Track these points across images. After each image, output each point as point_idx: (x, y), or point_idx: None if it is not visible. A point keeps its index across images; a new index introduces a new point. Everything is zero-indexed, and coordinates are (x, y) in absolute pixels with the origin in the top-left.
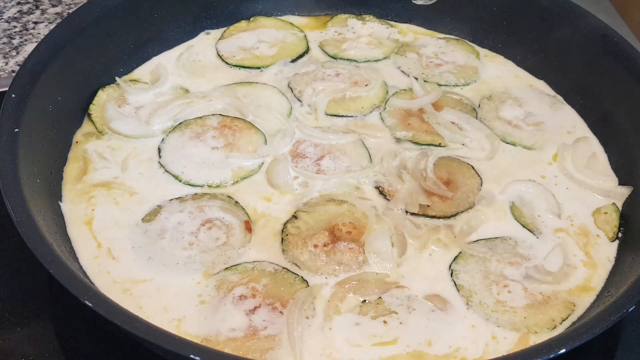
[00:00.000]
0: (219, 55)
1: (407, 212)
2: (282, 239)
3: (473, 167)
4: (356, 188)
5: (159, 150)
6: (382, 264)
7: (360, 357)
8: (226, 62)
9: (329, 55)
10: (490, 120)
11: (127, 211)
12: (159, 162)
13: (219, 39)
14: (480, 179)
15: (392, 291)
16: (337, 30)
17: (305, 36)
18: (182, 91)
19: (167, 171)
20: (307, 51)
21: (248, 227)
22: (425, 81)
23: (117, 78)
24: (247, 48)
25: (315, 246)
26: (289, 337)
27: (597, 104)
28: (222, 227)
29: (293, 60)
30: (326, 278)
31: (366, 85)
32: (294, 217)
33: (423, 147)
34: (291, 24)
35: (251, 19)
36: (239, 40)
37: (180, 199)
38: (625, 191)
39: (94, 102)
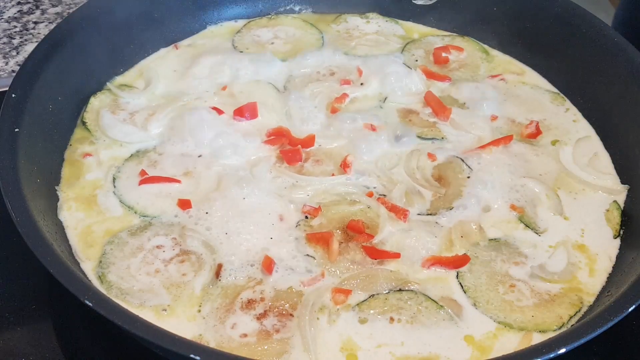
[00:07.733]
0: (234, 46)
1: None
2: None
3: (462, 160)
4: (349, 199)
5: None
6: (406, 263)
7: (370, 355)
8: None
9: (341, 53)
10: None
11: (117, 220)
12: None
13: (237, 32)
14: (470, 169)
15: (400, 288)
16: (342, 29)
17: (322, 37)
18: (175, 93)
19: None
20: (318, 49)
21: (218, 271)
22: (432, 77)
23: (108, 84)
24: (262, 43)
25: None
26: (302, 339)
27: (598, 103)
28: (195, 264)
29: (303, 57)
30: (339, 277)
31: (362, 84)
32: (306, 216)
33: (426, 141)
34: (311, 24)
35: (272, 17)
36: (256, 35)
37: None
38: (626, 189)
39: (87, 109)
